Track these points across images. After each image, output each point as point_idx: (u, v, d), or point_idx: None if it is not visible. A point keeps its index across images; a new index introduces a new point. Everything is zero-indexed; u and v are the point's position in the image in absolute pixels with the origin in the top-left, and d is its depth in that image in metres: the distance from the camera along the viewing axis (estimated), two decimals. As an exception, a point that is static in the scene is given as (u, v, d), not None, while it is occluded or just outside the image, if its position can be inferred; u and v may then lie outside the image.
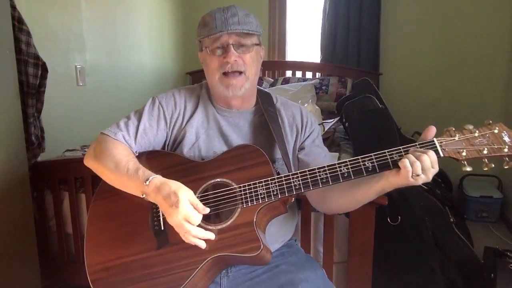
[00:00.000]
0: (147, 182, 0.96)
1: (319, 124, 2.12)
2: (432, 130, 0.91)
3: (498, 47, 3.24)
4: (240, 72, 1.09)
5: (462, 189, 3.15)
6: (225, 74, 1.08)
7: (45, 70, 1.87)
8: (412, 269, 1.62)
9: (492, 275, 1.76)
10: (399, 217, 1.60)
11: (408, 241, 1.63)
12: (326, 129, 2.43)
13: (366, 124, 2.29)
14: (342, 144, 2.39)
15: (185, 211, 0.90)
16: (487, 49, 3.28)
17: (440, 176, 2.65)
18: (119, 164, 1.02)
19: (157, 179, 0.97)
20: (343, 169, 0.93)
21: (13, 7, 1.71)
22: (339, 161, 0.95)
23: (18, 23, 1.74)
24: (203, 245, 0.94)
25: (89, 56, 2.61)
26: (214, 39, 1.07)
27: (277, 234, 1.16)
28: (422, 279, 1.61)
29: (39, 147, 1.91)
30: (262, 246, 0.94)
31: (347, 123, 2.48)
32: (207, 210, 0.95)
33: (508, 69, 3.20)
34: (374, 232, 1.42)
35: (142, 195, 0.97)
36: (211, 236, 0.94)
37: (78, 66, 2.51)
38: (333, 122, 2.54)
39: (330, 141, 2.38)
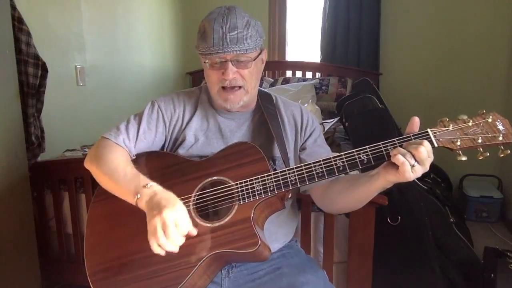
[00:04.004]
0: (148, 185, 0.96)
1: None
2: (415, 121, 0.91)
3: (498, 47, 3.24)
4: (239, 87, 1.09)
5: (462, 189, 3.15)
6: (224, 88, 1.09)
7: (45, 70, 1.87)
8: (412, 269, 1.62)
9: (492, 275, 1.76)
10: (399, 217, 1.60)
11: (408, 241, 1.63)
12: (326, 129, 2.43)
13: (366, 124, 2.30)
14: (342, 144, 2.40)
15: (179, 214, 0.90)
16: (487, 49, 3.28)
17: (440, 176, 2.66)
18: (117, 168, 1.03)
19: (158, 186, 0.97)
20: (338, 162, 0.93)
21: (13, 7, 1.72)
22: (334, 155, 0.95)
23: (18, 23, 1.74)
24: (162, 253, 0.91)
25: (89, 56, 2.61)
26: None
27: (277, 233, 1.16)
28: (422, 279, 1.61)
29: (39, 147, 1.91)
30: (259, 242, 0.93)
31: (347, 123, 2.48)
32: (193, 232, 0.94)
33: (508, 69, 3.20)
34: (374, 232, 1.42)
35: (137, 196, 0.96)
36: (175, 249, 0.91)
37: (78, 66, 2.51)
38: (333, 122, 2.54)
39: (330, 141, 2.38)
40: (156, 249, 0.90)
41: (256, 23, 1.08)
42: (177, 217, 0.90)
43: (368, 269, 1.45)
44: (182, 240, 0.90)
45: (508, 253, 1.86)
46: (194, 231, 0.94)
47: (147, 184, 0.96)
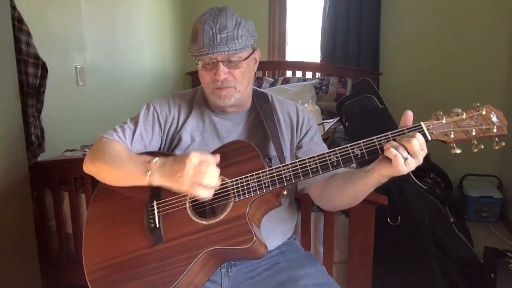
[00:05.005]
0: (154, 161, 0.98)
1: (319, 124, 2.12)
2: (408, 115, 0.92)
3: (498, 47, 3.25)
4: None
5: (462, 189, 3.15)
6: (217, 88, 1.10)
7: (45, 70, 1.87)
8: (412, 269, 1.62)
9: (492, 275, 1.76)
10: (399, 217, 1.60)
11: (408, 241, 1.64)
12: (326, 129, 2.43)
13: (366, 124, 2.30)
14: (342, 145, 2.38)
15: (198, 157, 0.92)
16: (487, 48, 3.28)
17: (440, 176, 2.66)
18: (120, 155, 1.05)
19: (163, 157, 1.00)
20: (333, 157, 0.94)
21: (13, 7, 1.72)
22: (328, 151, 0.96)
23: (18, 23, 1.74)
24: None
25: (89, 56, 2.60)
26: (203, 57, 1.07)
27: (276, 231, 1.16)
28: (422, 279, 1.61)
29: (39, 147, 1.91)
30: (254, 238, 0.94)
31: (347, 123, 2.49)
32: (217, 158, 0.96)
33: (508, 69, 3.20)
34: (374, 232, 1.42)
35: (148, 173, 0.97)
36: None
37: (78, 66, 2.51)
38: (333, 122, 2.54)
39: (330, 141, 2.37)
40: (204, 194, 0.92)
41: (247, 23, 1.08)
42: (199, 159, 0.92)
43: (368, 269, 1.45)
44: (218, 172, 0.93)
45: (508, 253, 1.86)
46: (217, 158, 0.96)
47: (152, 160, 0.99)
